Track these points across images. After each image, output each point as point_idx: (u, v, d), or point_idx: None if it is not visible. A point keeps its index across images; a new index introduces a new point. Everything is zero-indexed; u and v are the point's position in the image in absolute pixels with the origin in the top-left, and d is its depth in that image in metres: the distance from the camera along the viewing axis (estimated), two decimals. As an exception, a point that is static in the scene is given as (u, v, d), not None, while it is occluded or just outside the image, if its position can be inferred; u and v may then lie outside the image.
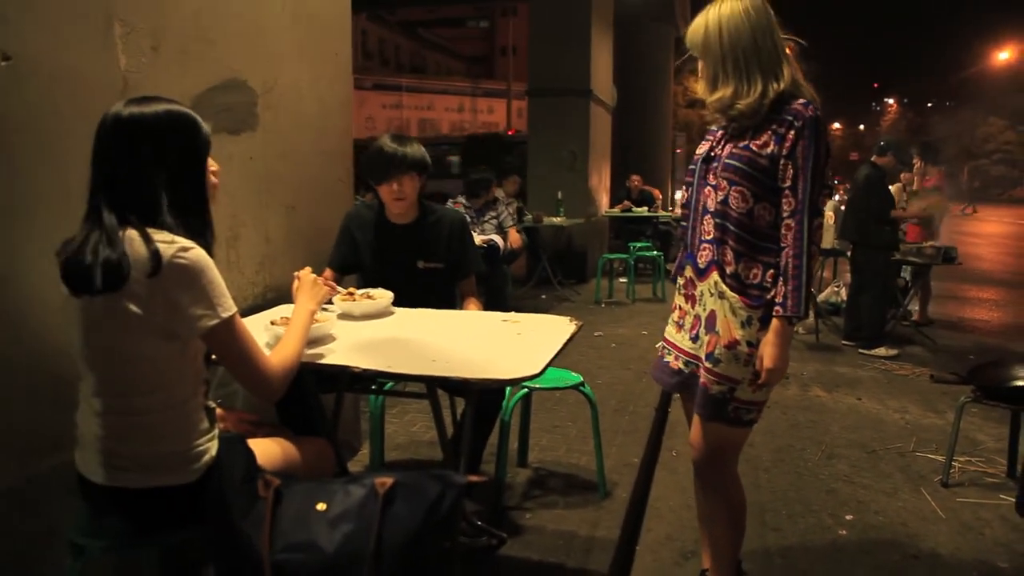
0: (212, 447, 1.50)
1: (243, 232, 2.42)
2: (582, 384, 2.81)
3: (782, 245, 1.71)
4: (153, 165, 1.41)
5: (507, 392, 2.61)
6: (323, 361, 1.83)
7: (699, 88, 1.84)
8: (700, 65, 1.82)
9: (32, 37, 1.67)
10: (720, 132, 1.85)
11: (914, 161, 6.37)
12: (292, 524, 1.35)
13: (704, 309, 1.83)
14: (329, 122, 2.92)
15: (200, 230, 1.48)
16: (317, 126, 2.83)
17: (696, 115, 42.64)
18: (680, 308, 1.93)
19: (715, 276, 1.78)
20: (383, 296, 2.35)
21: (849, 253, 5.80)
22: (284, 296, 2.59)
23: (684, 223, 1.93)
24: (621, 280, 7.99)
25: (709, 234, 1.80)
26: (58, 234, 1.76)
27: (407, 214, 2.61)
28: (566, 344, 1.98)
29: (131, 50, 1.94)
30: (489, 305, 2.74)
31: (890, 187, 5.66)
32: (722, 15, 1.74)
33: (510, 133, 18.05)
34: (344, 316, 2.27)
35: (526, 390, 2.80)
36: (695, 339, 1.86)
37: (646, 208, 9.19)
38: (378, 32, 35.38)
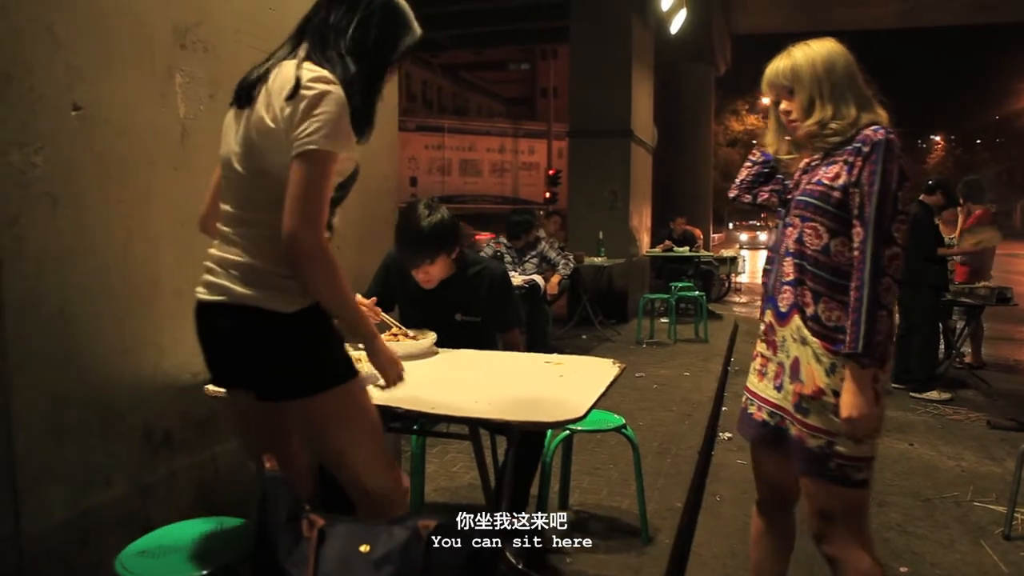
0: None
1: (291, 272, 2.48)
2: (624, 426, 2.78)
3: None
4: (353, 29, 1.52)
5: (548, 434, 2.59)
6: (367, 401, 1.85)
7: (767, 139, 1.84)
8: (785, 104, 1.76)
9: (101, 88, 1.76)
10: (798, 173, 1.80)
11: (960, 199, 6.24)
12: (335, 565, 1.36)
13: (787, 356, 1.72)
14: (374, 164, 2.99)
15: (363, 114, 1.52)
16: (363, 168, 2.88)
17: (737, 154, 42.51)
18: (761, 355, 1.82)
19: (797, 320, 1.68)
20: (427, 337, 2.37)
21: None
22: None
23: (769, 267, 1.83)
24: (662, 320, 7.92)
25: (788, 275, 1.71)
26: (115, 274, 1.84)
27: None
28: (609, 387, 1.97)
29: (190, 99, 2.02)
30: (530, 345, 2.74)
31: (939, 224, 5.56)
32: (813, 50, 1.72)
33: (551, 173, 18.18)
34: (387, 356, 2.29)
35: (568, 432, 2.77)
36: (779, 388, 1.74)
37: (687, 248, 9.15)
38: (422, 75, 36.21)
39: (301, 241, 1.37)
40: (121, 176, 1.83)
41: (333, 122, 1.39)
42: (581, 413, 1.71)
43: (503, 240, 5.99)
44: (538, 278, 5.64)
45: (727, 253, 11.59)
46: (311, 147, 1.37)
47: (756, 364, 1.85)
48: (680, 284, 7.96)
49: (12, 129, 1.56)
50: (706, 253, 9.26)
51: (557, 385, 2.02)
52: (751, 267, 16.84)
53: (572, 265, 6.11)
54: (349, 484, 1.62)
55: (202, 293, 1.51)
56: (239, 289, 1.46)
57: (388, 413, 1.85)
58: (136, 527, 1.87)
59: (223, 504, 2.12)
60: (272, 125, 1.42)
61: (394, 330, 2.44)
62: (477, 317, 2.57)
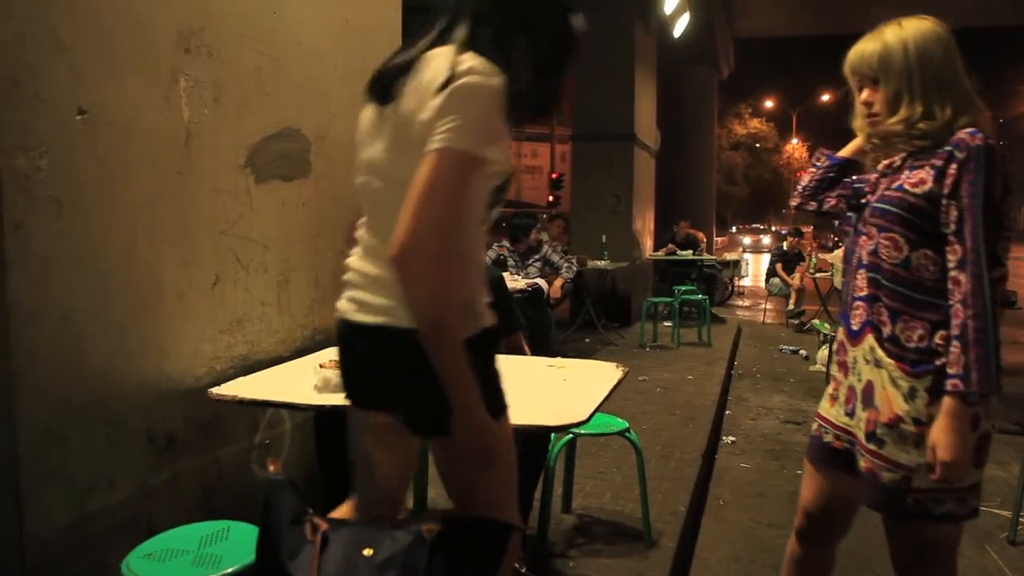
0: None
1: (293, 276, 2.48)
2: (627, 430, 2.77)
3: (950, 302, 1.40)
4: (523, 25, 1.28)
5: (552, 438, 2.59)
6: (370, 404, 1.85)
7: (856, 123, 1.61)
8: (861, 92, 1.56)
9: (105, 92, 1.76)
10: (875, 176, 1.61)
11: None
12: (338, 569, 1.35)
13: (859, 379, 1.54)
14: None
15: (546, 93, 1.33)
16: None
17: (739, 157, 42.51)
18: (835, 379, 1.64)
19: (870, 340, 1.51)
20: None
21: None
22: (333, 339, 2.62)
23: (845, 279, 1.64)
24: (666, 324, 7.91)
25: (862, 290, 1.53)
26: (119, 278, 1.84)
27: None
28: (612, 391, 1.97)
29: (194, 102, 2.03)
30: (533, 348, 2.74)
31: None
32: (908, 33, 1.51)
33: (554, 176, 18.18)
34: (391, 359, 2.29)
35: (571, 436, 2.77)
36: (851, 415, 1.57)
37: (691, 251, 9.14)
38: (425, 79, 36.31)
39: (415, 250, 1.13)
40: (125, 180, 1.83)
41: (480, 119, 1.17)
42: (584, 417, 1.71)
43: (505, 244, 5.99)
44: (541, 282, 5.64)
45: (730, 257, 11.58)
46: (446, 144, 1.15)
47: (830, 388, 1.66)
48: (683, 288, 7.96)
49: (17, 133, 1.57)
50: (709, 257, 9.26)
51: (560, 389, 2.02)
52: (754, 270, 16.82)
53: (575, 269, 6.11)
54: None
55: (349, 312, 1.35)
56: (397, 310, 1.24)
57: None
58: (140, 530, 1.87)
59: (227, 507, 2.12)
60: (422, 124, 1.18)
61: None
62: None
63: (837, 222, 1.75)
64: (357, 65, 2.78)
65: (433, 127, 1.16)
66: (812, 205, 1.79)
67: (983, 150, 1.40)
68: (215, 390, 1.96)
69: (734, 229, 44.51)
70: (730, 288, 11.78)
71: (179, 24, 1.97)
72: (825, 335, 6.03)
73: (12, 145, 1.56)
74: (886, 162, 1.58)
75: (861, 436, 1.52)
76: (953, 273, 1.40)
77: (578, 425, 1.71)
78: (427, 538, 1.35)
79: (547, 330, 5.67)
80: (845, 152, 1.76)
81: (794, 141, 45.83)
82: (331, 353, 2.38)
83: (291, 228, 2.46)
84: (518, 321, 2.67)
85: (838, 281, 6.44)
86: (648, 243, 9.84)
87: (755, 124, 43.69)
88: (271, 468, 1.65)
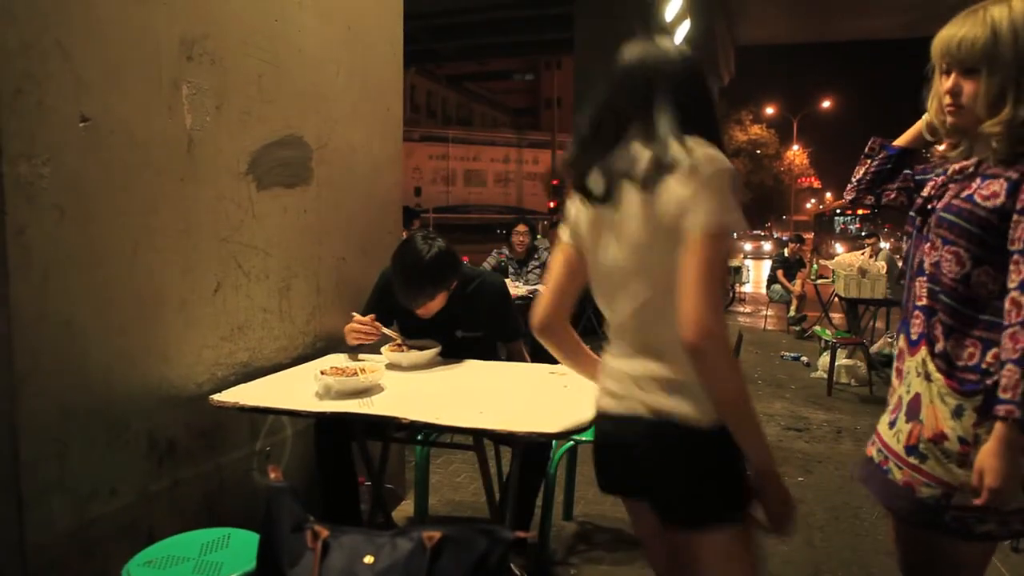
0: None
1: (295, 283, 2.49)
2: (629, 437, 2.77)
3: (1007, 323, 1.30)
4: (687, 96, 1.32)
5: (553, 445, 2.59)
6: (371, 411, 1.85)
7: (932, 106, 1.46)
8: (952, 81, 1.39)
9: (108, 99, 1.77)
10: (942, 178, 1.49)
11: None
12: (339, 576, 1.35)
13: (908, 391, 1.46)
14: (380, 175, 3.00)
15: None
16: (368, 179, 2.91)
17: (741, 164, 42.52)
18: (893, 388, 1.54)
19: (924, 352, 1.42)
20: (431, 347, 2.38)
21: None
22: (333, 346, 2.64)
23: (902, 281, 1.56)
24: (667, 330, 7.88)
25: (921, 299, 1.45)
26: (121, 285, 1.84)
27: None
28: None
29: (196, 110, 2.04)
30: (534, 356, 2.73)
31: None
32: (1017, 14, 1.33)
33: (555, 183, 18.20)
34: (392, 367, 2.30)
35: (572, 442, 2.77)
36: (892, 424, 1.48)
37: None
38: (426, 85, 36.39)
39: (711, 334, 1.15)
40: (128, 187, 1.84)
41: (729, 196, 1.22)
42: (585, 423, 1.71)
43: (505, 251, 6.01)
44: (542, 288, 5.64)
45: (731, 263, 11.58)
46: (712, 227, 1.19)
47: (891, 398, 1.54)
48: (684, 294, 7.94)
49: (20, 141, 1.58)
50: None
51: (561, 395, 2.02)
52: (755, 277, 16.81)
53: None
54: None
55: (610, 405, 1.39)
56: (658, 401, 1.27)
57: (392, 424, 1.85)
58: (141, 537, 1.87)
59: (228, 514, 2.12)
60: (675, 215, 1.21)
61: (397, 341, 2.44)
62: (478, 332, 2.56)
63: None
64: (359, 73, 2.79)
65: (692, 214, 1.19)
66: (870, 199, 1.68)
67: None
68: (216, 397, 1.96)
69: (735, 235, 44.52)
70: (731, 294, 11.77)
71: (182, 32, 1.98)
72: (826, 342, 6.02)
73: (15, 152, 1.57)
74: (957, 166, 1.45)
75: (899, 449, 1.44)
76: (1014, 294, 1.29)
77: (579, 432, 1.71)
78: (428, 546, 1.35)
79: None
80: (903, 141, 1.65)
81: (795, 147, 45.89)
82: (332, 360, 2.39)
83: (292, 235, 2.47)
84: (519, 328, 2.66)
85: (840, 288, 6.45)
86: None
87: (756, 130, 43.77)
88: (272, 475, 1.65)
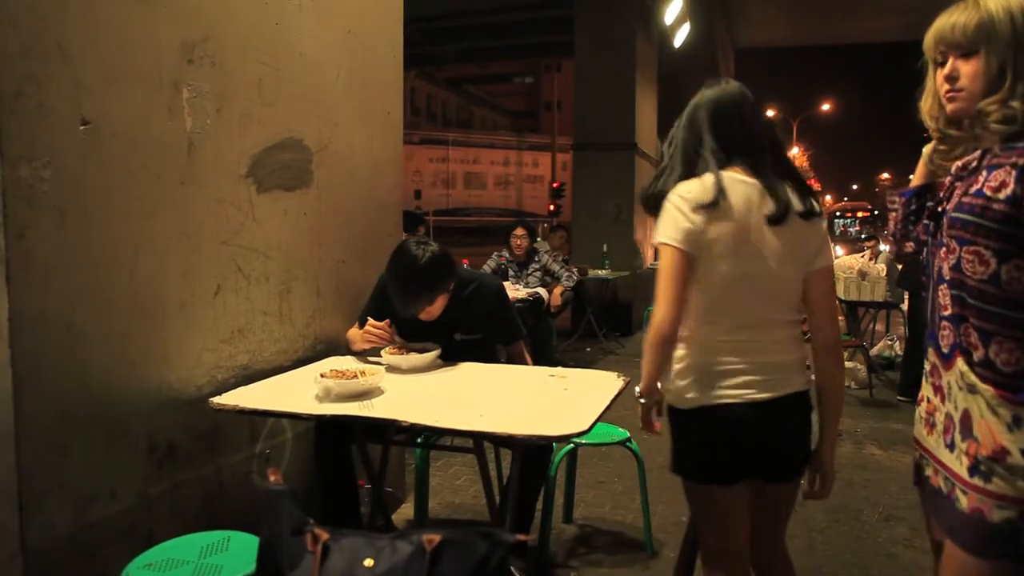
0: None
1: (295, 286, 2.49)
2: (628, 440, 2.77)
3: None
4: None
5: (553, 447, 2.59)
6: (371, 414, 1.85)
7: (925, 105, 1.44)
8: (950, 67, 1.37)
9: (108, 102, 1.78)
10: (948, 178, 1.44)
11: None
12: (339, 579, 1.35)
13: (955, 407, 1.35)
14: (380, 178, 3.00)
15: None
16: (368, 182, 2.91)
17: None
18: (929, 400, 1.44)
19: (961, 364, 1.33)
20: (431, 350, 2.38)
21: (905, 305, 5.66)
22: (333, 348, 2.64)
23: (925, 292, 1.48)
24: (667, 332, 7.87)
25: (947, 309, 1.36)
26: (121, 288, 1.84)
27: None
28: (614, 400, 1.96)
29: (197, 113, 2.04)
30: (534, 358, 2.73)
31: None
32: (1013, 1, 1.31)
33: (555, 186, 18.23)
34: (392, 369, 2.30)
35: (572, 445, 2.77)
36: (951, 447, 1.35)
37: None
38: (426, 88, 36.42)
39: (839, 343, 1.73)
40: (128, 190, 1.84)
41: None
42: (585, 427, 1.71)
43: (505, 254, 6.01)
44: (542, 291, 5.64)
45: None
46: (832, 263, 1.70)
47: (922, 410, 1.46)
48: (684, 297, 7.94)
49: (21, 143, 1.58)
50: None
51: (561, 398, 2.02)
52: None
53: (575, 277, 6.11)
54: (778, 556, 1.80)
55: (762, 393, 1.61)
56: (800, 380, 1.67)
57: (392, 426, 1.85)
58: (140, 540, 1.87)
59: (228, 518, 2.12)
60: (814, 248, 1.65)
61: (399, 343, 2.44)
62: (477, 335, 2.56)
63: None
64: (359, 76, 2.79)
65: (824, 254, 1.67)
66: (910, 246, 1.65)
67: None
68: (216, 399, 1.96)
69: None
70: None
71: (183, 35, 1.98)
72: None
73: (16, 155, 1.57)
74: (960, 163, 1.39)
75: (963, 471, 1.31)
76: None
77: (579, 435, 1.71)
78: (428, 549, 1.35)
79: (548, 339, 5.67)
80: (916, 180, 1.63)
81: (794, 150, 45.90)
82: (332, 362, 2.39)
83: (292, 238, 2.47)
84: (519, 329, 2.66)
85: (840, 290, 6.44)
86: (649, 253, 9.83)
87: (756, 133, 43.72)
88: (272, 478, 1.65)
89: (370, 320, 2.43)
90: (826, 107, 39.38)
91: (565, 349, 7.32)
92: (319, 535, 1.41)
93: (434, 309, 2.41)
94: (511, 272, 5.91)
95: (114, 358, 1.84)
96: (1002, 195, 1.26)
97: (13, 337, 1.58)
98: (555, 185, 19.30)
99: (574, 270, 6.23)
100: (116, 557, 1.76)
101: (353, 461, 2.36)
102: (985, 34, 1.31)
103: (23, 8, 1.57)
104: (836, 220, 36.78)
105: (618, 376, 2.20)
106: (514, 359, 2.65)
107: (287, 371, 2.35)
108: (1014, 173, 1.26)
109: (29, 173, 1.60)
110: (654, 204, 1.69)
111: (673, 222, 1.59)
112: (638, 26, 8.83)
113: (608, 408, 1.89)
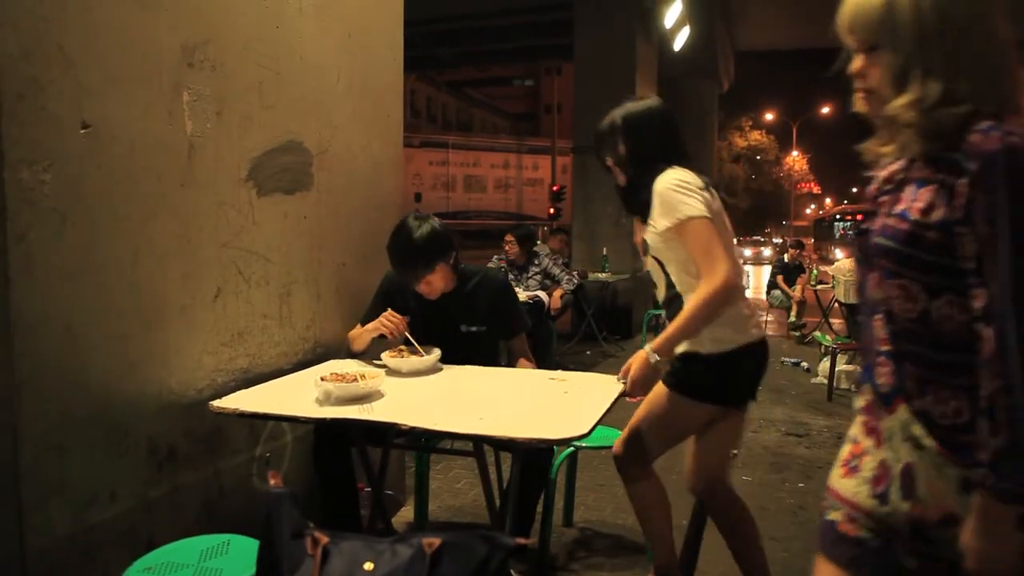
0: None
1: (295, 289, 2.49)
2: (629, 443, 2.76)
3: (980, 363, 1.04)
4: None
5: (554, 451, 2.59)
6: (371, 417, 1.85)
7: (857, 104, 1.22)
8: (859, 62, 1.19)
9: (110, 106, 1.78)
10: (873, 187, 1.22)
11: None
12: (339, 583, 1.35)
13: (897, 459, 1.15)
14: (380, 181, 3.00)
15: None
16: (369, 185, 2.92)
17: (740, 169, 42.63)
18: (856, 442, 1.23)
19: (904, 412, 1.13)
20: (431, 353, 2.38)
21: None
22: (333, 352, 2.64)
23: (860, 318, 1.26)
24: (667, 335, 7.88)
25: (884, 343, 1.16)
26: (122, 291, 1.84)
27: (444, 287, 2.54)
28: (614, 403, 1.96)
29: (197, 116, 2.04)
30: (535, 360, 2.74)
31: None
32: None
33: (555, 189, 18.24)
34: (392, 373, 2.30)
35: (572, 449, 2.77)
36: (883, 499, 1.15)
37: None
38: (426, 91, 36.44)
39: None
40: (129, 193, 1.84)
41: None
42: (586, 430, 1.71)
43: (504, 256, 6.02)
44: (542, 294, 5.65)
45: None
46: None
47: (845, 452, 1.26)
48: (684, 300, 7.95)
49: (22, 147, 1.58)
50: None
51: (561, 402, 2.02)
52: (755, 282, 16.82)
53: (576, 280, 6.12)
54: (712, 475, 2.19)
55: (760, 334, 2.10)
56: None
57: (392, 430, 1.85)
58: (140, 543, 1.87)
59: (227, 521, 2.12)
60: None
61: (400, 347, 2.44)
62: (482, 327, 2.57)
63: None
64: (359, 78, 2.80)
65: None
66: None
67: (1004, 155, 1.01)
68: (216, 403, 1.96)
69: (735, 241, 44.65)
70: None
71: (183, 39, 1.98)
72: (827, 347, 6.02)
73: (17, 158, 1.57)
74: (885, 174, 1.19)
75: (906, 532, 1.14)
76: (977, 326, 1.05)
77: (579, 438, 1.71)
78: (428, 552, 1.34)
79: (548, 342, 5.67)
80: None
81: (794, 153, 45.96)
82: (332, 366, 2.39)
83: (293, 241, 2.47)
84: (524, 322, 2.67)
85: (840, 293, 6.45)
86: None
87: (756, 136, 43.86)
88: (272, 481, 1.65)
89: (390, 309, 2.45)
90: (826, 110, 39.39)
91: (565, 352, 7.31)
92: (319, 538, 1.41)
93: (434, 280, 2.44)
94: (511, 275, 5.91)
95: (114, 360, 1.84)
96: (931, 220, 1.07)
97: (14, 339, 1.58)
98: (555, 188, 19.30)
99: (574, 273, 6.23)
100: (116, 560, 1.76)
101: (353, 464, 2.36)
102: (886, 23, 1.13)
103: (24, 11, 1.58)
104: (836, 223, 36.77)
105: (618, 379, 2.20)
106: (516, 354, 2.65)
107: (287, 374, 2.35)
108: (942, 192, 1.07)
109: (30, 176, 1.60)
110: (644, 206, 2.11)
111: (696, 199, 1.96)
112: (638, 29, 8.85)
113: (608, 411, 1.89)
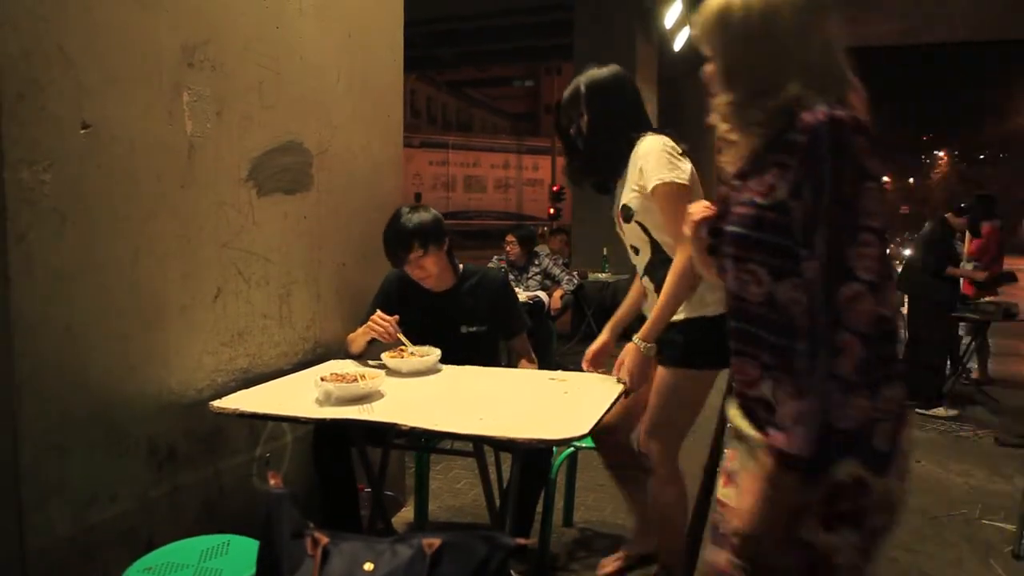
0: None
1: (295, 289, 2.49)
2: (629, 443, 2.76)
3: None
4: None
5: (553, 451, 2.58)
6: (371, 417, 1.85)
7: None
8: (708, 70, 1.26)
9: (110, 106, 1.78)
10: (723, 188, 1.25)
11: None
12: (339, 583, 1.35)
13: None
14: (380, 181, 3.00)
15: None
16: (369, 185, 2.91)
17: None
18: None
19: (735, 406, 1.21)
20: (431, 353, 2.37)
21: (905, 308, 5.65)
22: (334, 352, 2.63)
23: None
24: (667, 335, 7.87)
25: (732, 341, 1.21)
26: (122, 291, 1.84)
27: (442, 282, 2.56)
28: (614, 403, 1.96)
29: (197, 116, 2.04)
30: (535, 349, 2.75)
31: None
32: None
33: (555, 189, 18.23)
34: (392, 373, 2.30)
35: (572, 449, 2.76)
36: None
37: (692, 263, 9.15)
38: (426, 91, 36.43)
39: None
40: (129, 193, 1.84)
41: None
42: (586, 430, 1.71)
43: (505, 257, 6.02)
44: (542, 294, 5.64)
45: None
46: None
47: (727, 460, 1.30)
48: (684, 300, 7.95)
49: (22, 147, 1.58)
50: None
51: (561, 402, 2.02)
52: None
53: (576, 281, 6.12)
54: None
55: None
56: None
57: (392, 430, 1.85)
58: (140, 544, 1.87)
59: (227, 521, 2.12)
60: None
61: (401, 347, 2.44)
62: (482, 327, 2.58)
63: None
64: (359, 78, 2.80)
65: None
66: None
67: (826, 128, 1.04)
68: (216, 403, 1.96)
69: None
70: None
71: (184, 39, 1.98)
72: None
73: (17, 158, 1.57)
74: (733, 170, 1.22)
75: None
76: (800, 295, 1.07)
77: (580, 438, 1.71)
78: (428, 552, 1.34)
79: (548, 343, 5.67)
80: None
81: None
82: (332, 366, 2.39)
83: (293, 241, 2.47)
84: (524, 321, 2.67)
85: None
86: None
87: (756, 137, 43.76)
88: (272, 481, 1.65)
89: (378, 312, 2.44)
90: (826, 110, 39.32)
91: (565, 352, 7.31)
92: (319, 539, 1.41)
93: (427, 264, 2.47)
94: (511, 276, 5.91)
95: (114, 360, 1.84)
96: (772, 200, 1.10)
97: (14, 339, 1.58)
98: (555, 188, 19.29)
99: (574, 273, 6.23)
100: (116, 560, 1.76)
101: (353, 464, 2.36)
102: (711, 31, 1.21)
103: (24, 11, 1.58)
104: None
105: (618, 380, 2.20)
106: (518, 354, 2.65)
107: (287, 374, 2.35)
108: (780, 172, 1.09)
109: (30, 176, 1.60)
110: (603, 172, 2.22)
111: (684, 167, 2.04)
112: (638, 29, 8.84)
113: (608, 411, 1.89)
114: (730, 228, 1.17)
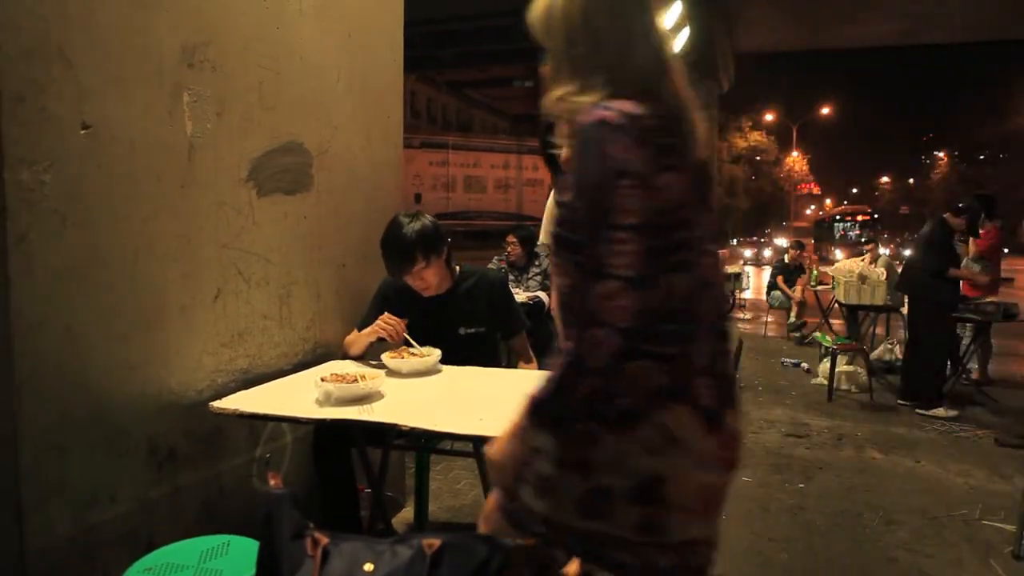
0: None
1: (295, 289, 2.49)
2: (629, 443, 2.76)
3: None
4: None
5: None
6: (371, 418, 1.85)
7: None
8: (545, 64, 1.27)
9: (110, 106, 1.78)
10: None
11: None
12: (339, 583, 1.35)
13: None
14: (380, 181, 3.00)
15: None
16: (369, 185, 2.92)
17: (740, 170, 42.63)
18: None
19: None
20: (431, 354, 2.37)
21: (905, 309, 5.66)
22: (333, 352, 2.63)
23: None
24: (667, 336, 7.86)
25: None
26: (122, 291, 1.84)
27: (440, 286, 2.55)
28: (614, 403, 1.96)
29: (197, 117, 2.04)
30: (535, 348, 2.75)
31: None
32: None
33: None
34: (392, 374, 2.30)
35: (572, 449, 2.76)
36: None
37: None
38: (426, 92, 36.45)
39: None
40: (129, 193, 1.84)
41: None
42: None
43: (504, 257, 6.02)
44: (542, 294, 5.64)
45: (731, 269, 11.57)
46: None
47: None
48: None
49: (22, 147, 1.58)
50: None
51: (562, 402, 2.02)
52: (755, 283, 16.82)
53: None
54: None
55: None
56: None
57: (392, 430, 1.85)
58: (140, 544, 1.87)
59: (228, 521, 2.12)
60: None
61: (402, 348, 2.44)
62: (481, 327, 2.58)
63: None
64: (359, 79, 2.80)
65: None
66: None
67: (590, 127, 1.06)
68: (216, 403, 1.96)
69: (735, 242, 44.62)
70: (731, 301, 11.77)
71: (184, 39, 1.98)
72: (827, 348, 6.02)
73: (17, 159, 1.57)
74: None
75: None
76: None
77: (579, 439, 1.71)
78: (428, 553, 1.34)
79: (548, 343, 5.65)
80: None
81: (794, 154, 45.97)
82: (332, 366, 2.39)
83: (293, 241, 2.47)
84: (523, 321, 2.67)
85: (840, 294, 6.45)
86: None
87: (756, 137, 43.85)
88: (272, 482, 1.65)
89: (387, 312, 2.45)
90: (826, 111, 39.42)
91: (565, 352, 7.31)
92: (319, 539, 1.41)
93: (427, 275, 2.45)
94: (511, 276, 5.91)
95: (114, 361, 1.84)
96: (566, 199, 1.14)
97: (14, 339, 1.57)
98: (555, 189, 19.28)
99: None
100: (116, 561, 1.76)
101: (353, 465, 2.36)
102: (540, 28, 1.23)
103: (24, 11, 1.58)
104: (836, 224, 36.78)
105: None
106: (518, 354, 2.65)
107: (287, 375, 2.35)
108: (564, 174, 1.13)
109: (30, 177, 1.60)
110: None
111: None
112: (638, 30, 8.83)
113: (608, 412, 1.89)
114: (555, 228, 1.20)
